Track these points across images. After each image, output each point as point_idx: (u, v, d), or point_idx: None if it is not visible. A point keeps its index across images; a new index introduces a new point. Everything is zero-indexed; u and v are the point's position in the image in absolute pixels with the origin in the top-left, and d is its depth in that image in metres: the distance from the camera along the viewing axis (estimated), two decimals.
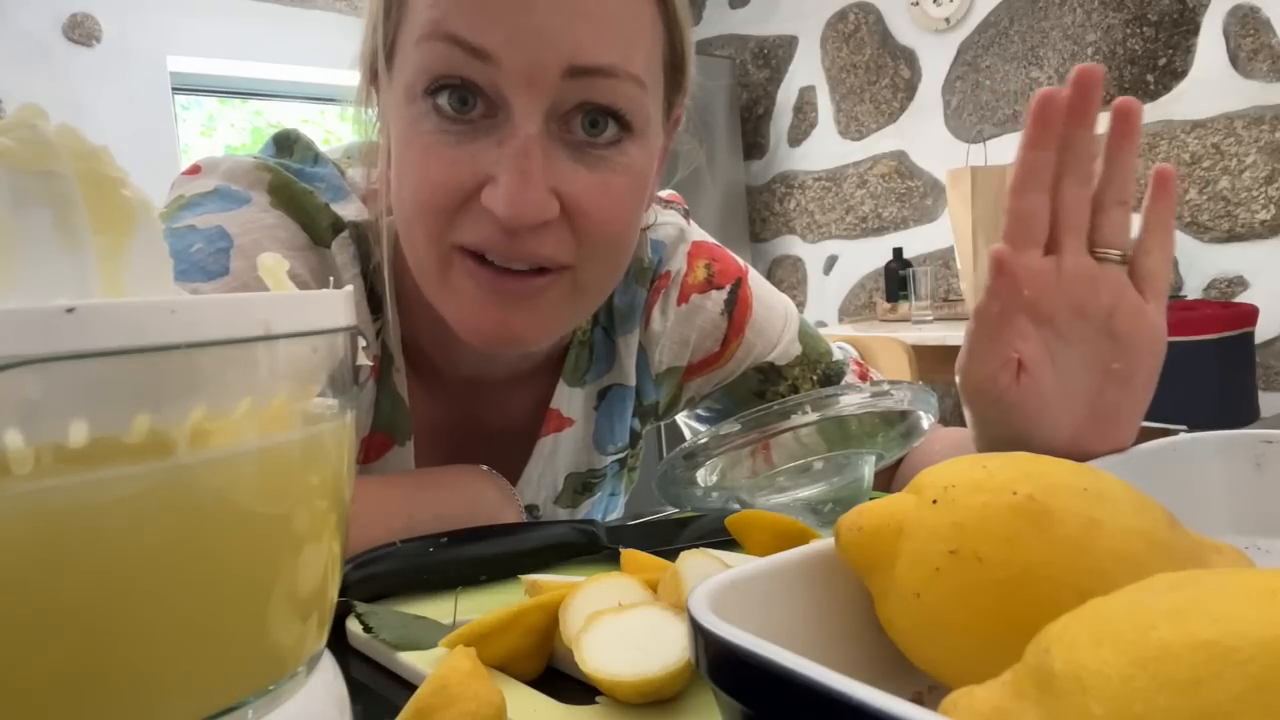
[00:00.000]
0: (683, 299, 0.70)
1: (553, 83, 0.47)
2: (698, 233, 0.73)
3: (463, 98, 0.48)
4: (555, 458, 0.69)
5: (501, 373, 0.65)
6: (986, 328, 0.45)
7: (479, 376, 0.65)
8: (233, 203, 0.56)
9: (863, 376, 0.74)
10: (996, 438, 0.46)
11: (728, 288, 0.71)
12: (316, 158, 0.61)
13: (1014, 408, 0.45)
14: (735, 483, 0.51)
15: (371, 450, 0.62)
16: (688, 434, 0.79)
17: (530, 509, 0.69)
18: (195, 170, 0.59)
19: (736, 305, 0.71)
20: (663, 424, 0.79)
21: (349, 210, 0.58)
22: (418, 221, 0.50)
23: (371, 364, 0.60)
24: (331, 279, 0.57)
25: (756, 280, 0.74)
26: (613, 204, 0.51)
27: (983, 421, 0.47)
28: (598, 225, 0.51)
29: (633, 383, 0.70)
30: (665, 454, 0.52)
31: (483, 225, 0.49)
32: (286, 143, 0.61)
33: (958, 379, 0.47)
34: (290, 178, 0.57)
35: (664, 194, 0.74)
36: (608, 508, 0.77)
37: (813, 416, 0.48)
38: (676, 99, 0.57)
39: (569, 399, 0.68)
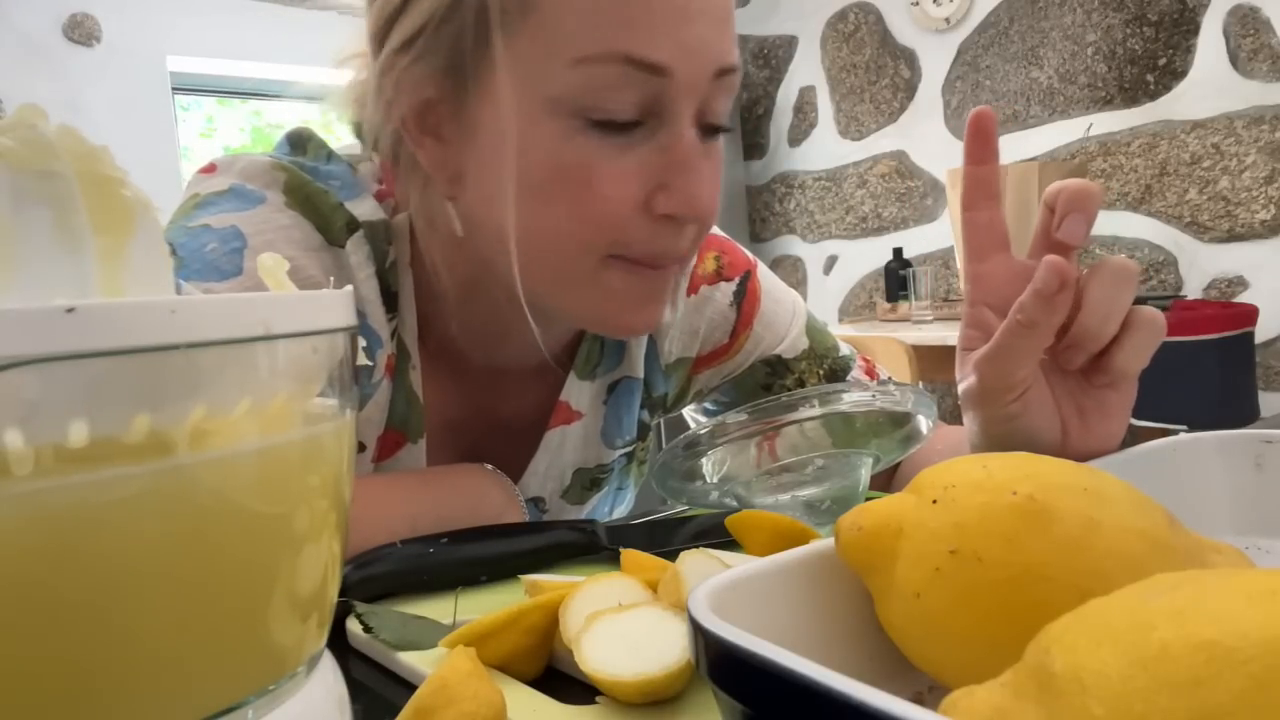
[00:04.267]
0: (692, 290, 0.70)
1: (705, 87, 0.50)
2: None
3: (629, 113, 0.49)
4: (563, 450, 0.69)
5: (529, 361, 0.66)
6: (1030, 337, 0.42)
7: (502, 366, 0.66)
8: (248, 202, 0.56)
9: (869, 373, 0.75)
10: (1000, 435, 0.46)
11: (737, 280, 0.71)
12: (330, 156, 0.61)
13: (1027, 408, 0.45)
14: (735, 476, 0.51)
15: (383, 448, 0.62)
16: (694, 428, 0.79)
17: (536, 501, 0.69)
18: (211, 169, 0.59)
19: (745, 297, 0.71)
20: (663, 421, 0.79)
21: (363, 208, 0.59)
22: (577, 236, 0.51)
23: (371, 364, 0.60)
24: (347, 279, 0.57)
25: (765, 273, 0.74)
26: (718, 190, 0.55)
27: (989, 421, 0.46)
28: (711, 212, 0.54)
29: (641, 374, 0.70)
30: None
31: (651, 234, 0.51)
32: (300, 141, 0.61)
33: (970, 381, 0.46)
34: (306, 177, 0.57)
35: None
36: (615, 501, 0.78)
37: (816, 411, 0.48)
38: None
39: (578, 392, 0.68)
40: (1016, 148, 2.69)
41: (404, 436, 0.62)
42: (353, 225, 0.57)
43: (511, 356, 0.65)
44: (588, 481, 0.72)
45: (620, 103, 0.49)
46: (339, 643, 0.42)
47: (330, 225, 0.57)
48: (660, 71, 0.48)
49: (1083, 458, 0.38)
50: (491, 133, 0.51)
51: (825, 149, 3.25)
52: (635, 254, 0.52)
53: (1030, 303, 0.41)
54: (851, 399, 0.50)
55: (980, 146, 0.47)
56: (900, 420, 0.52)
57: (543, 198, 0.51)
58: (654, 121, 0.50)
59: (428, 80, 0.52)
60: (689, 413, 0.80)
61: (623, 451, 0.73)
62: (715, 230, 0.74)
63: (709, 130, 0.53)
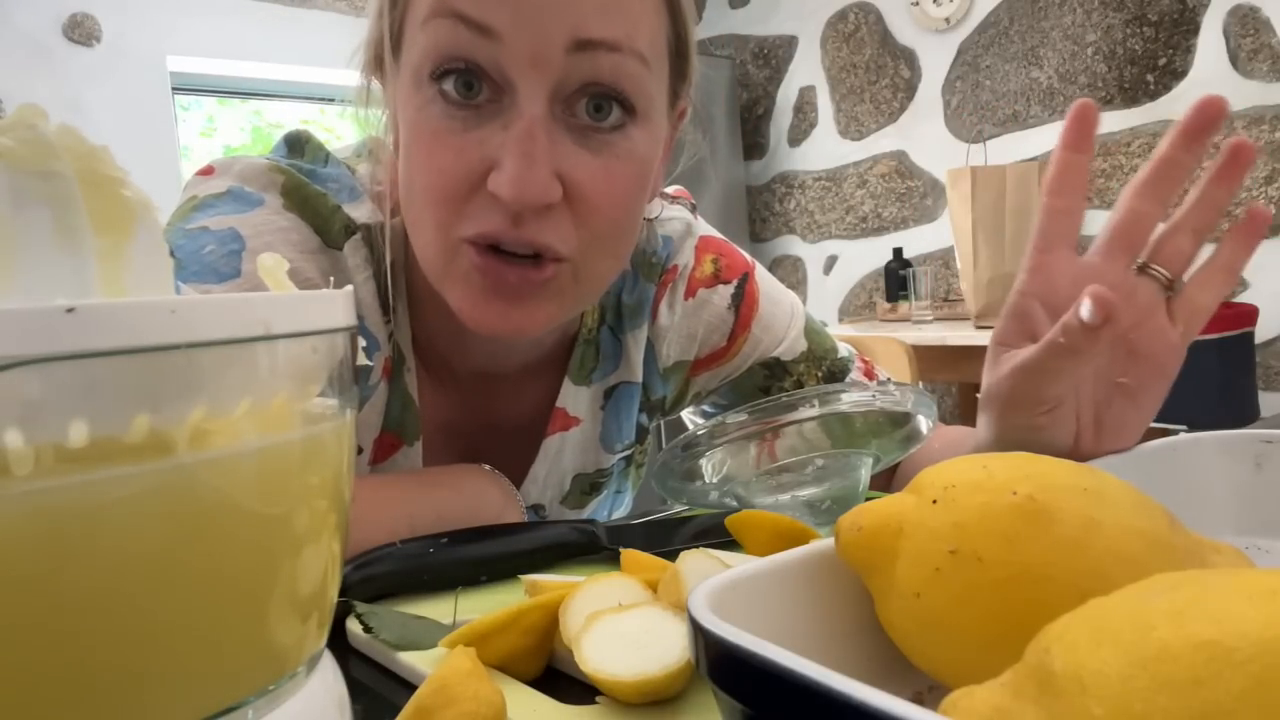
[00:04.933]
0: (690, 293, 0.70)
1: (557, 59, 0.47)
2: (704, 228, 0.73)
3: (468, 82, 0.48)
4: (562, 457, 0.69)
5: (514, 363, 0.65)
6: (1072, 360, 0.41)
7: (491, 369, 0.65)
8: (246, 205, 0.56)
9: (868, 374, 0.75)
10: (1016, 443, 0.45)
11: (734, 282, 0.71)
12: (328, 158, 0.61)
13: (1054, 422, 0.44)
14: (735, 476, 0.51)
15: (380, 451, 0.62)
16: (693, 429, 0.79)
17: (536, 508, 0.69)
18: (209, 171, 0.59)
19: (743, 300, 0.71)
20: (662, 423, 0.79)
21: (361, 211, 0.59)
22: (427, 210, 0.50)
23: (371, 365, 0.60)
24: (345, 281, 0.57)
25: (763, 276, 0.74)
26: (615, 189, 0.51)
27: (1010, 428, 0.46)
28: (599, 211, 0.50)
29: (639, 378, 0.70)
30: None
31: (490, 214, 0.49)
32: (298, 143, 0.61)
33: (1002, 385, 0.45)
34: (303, 180, 0.57)
35: (671, 190, 0.74)
36: (613, 505, 0.77)
37: (815, 411, 0.48)
38: (681, 88, 0.57)
39: (575, 398, 0.68)
40: (1016, 148, 2.69)
41: (400, 440, 0.62)
42: (350, 228, 0.57)
43: (498, 360, 0.65)
44: (587, 486, 0.72)
45: (457, 65, 0.47)
46: (339, 643, 0.42)
47: (328, 228, 0.57)
48: (489, 34, 0.46)
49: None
50: (398, 124, 0.52)
51: (825, 149, 3.25)
52: (475, 234, 0.49)
53: (1076, 329, 0.40)
54: (851, 399, 0.49)
55: (1078, 135, 0.45)
56: (900, 420, 0.52)
57: (407, 169, 0.51)
58: (506, 98, 0.48)
59: (389, 80, 0.53)
60: (688, 415, 0.80)
61: (621, 455, 0.73)
62: (713, 232, 0.74)
63: (599, 115, 0.50)
